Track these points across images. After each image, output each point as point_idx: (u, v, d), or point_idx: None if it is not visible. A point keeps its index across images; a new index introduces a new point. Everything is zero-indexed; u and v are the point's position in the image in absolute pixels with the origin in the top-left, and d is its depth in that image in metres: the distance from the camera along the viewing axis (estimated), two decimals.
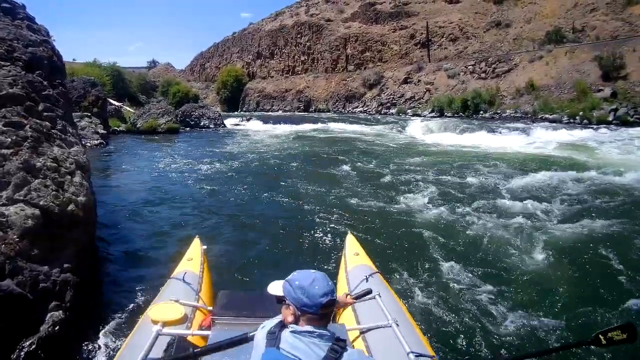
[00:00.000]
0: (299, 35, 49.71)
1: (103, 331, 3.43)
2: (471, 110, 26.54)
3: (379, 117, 31.24)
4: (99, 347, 3.21)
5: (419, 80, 33.55)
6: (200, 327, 2.38)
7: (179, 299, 2.52)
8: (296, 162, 12.10)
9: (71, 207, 3.70)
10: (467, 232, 5.74)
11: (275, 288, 1.75)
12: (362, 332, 2.28)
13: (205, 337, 2.25)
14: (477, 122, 21.54)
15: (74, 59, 49.87)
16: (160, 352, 2.06)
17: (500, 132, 16.96)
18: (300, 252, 5.22)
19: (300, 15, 52.36)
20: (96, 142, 15.56)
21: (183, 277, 2.85)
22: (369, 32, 42.05)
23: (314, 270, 1.50)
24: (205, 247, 3.56)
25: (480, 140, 15.72)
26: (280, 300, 1.49)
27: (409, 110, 31.58)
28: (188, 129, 24.20)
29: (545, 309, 3.79)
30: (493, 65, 28.72)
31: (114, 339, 3.03)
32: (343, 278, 3.18)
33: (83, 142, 6.07)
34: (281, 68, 52.03)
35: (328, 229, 5.96)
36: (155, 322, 2.28)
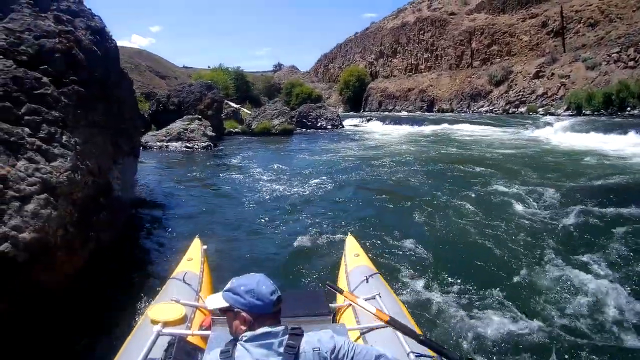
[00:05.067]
0: (421, 32, 49.88)
1: (103, 331, 3.39)
2: (616, 106, 24.02)
3: (506, 117, 29.89)
4: (99, 347, 3.20)
5: (552, 74, 31.69)
6: (201, 328, 2.40)
7: (179, 299, 2.55)
8: (358, 167, 11.84)
9: (4, 246, 2.86)
10: (472, 234, 5.66)
11: (215, 301, 1.56)
12: (362, 333, 2.30)
13: (205, 338, 2.24)
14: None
15: (208, 66, 55.42)
16: (160, 352, 2.08)
17: None
18: (300, 252, 5.28)
19: (423, 10, 52.27)
20: (204, 144, 16.48)
21: (183, 277, 2.88)
22: (496, 23, 40.60)
23: (252, 273, 1.53)
24: (205, 247, 3.57)
25: None
26: (224, 311, 1.50)
27: (540, 109, 29.94)
28: (304, 129, 24.30)
29: (557, 315, 3.64)
30: None
31: (113, 339, 2.93)
32: (343, 279, 3.19)
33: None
34: (404, 67, 52.71)
35: (328, 230, 5.98)
36: (155, 322, 2.30)
